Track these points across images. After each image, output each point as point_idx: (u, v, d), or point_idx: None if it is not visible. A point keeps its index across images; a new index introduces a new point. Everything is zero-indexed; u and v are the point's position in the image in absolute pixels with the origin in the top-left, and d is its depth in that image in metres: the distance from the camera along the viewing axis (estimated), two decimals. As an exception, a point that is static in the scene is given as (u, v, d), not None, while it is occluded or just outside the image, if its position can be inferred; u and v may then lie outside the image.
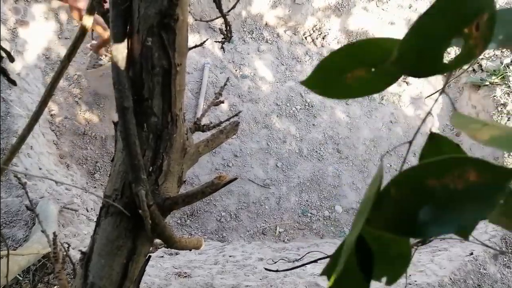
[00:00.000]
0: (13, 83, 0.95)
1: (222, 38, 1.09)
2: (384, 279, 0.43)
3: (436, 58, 0.35)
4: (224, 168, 3.78)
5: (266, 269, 0.87)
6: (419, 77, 0.37)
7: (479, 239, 2.75)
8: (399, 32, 4.37)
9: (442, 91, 0.45)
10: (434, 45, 0.35)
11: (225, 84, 1.13)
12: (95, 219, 2.87)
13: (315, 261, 0.74)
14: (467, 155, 0.31)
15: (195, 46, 1.00)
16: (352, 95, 0.42)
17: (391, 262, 0.42)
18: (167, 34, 0.67)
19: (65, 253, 0.98)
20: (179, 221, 3.54)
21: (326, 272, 0.42)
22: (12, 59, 0.90)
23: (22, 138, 0.93)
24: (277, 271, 0.81)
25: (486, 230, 2.87)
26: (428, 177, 0.31)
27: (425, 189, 0.31)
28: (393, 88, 4.30)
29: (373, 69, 0.40)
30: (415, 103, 4.38)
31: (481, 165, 0.30)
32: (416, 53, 0.35)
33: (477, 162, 0.30)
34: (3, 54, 0.85)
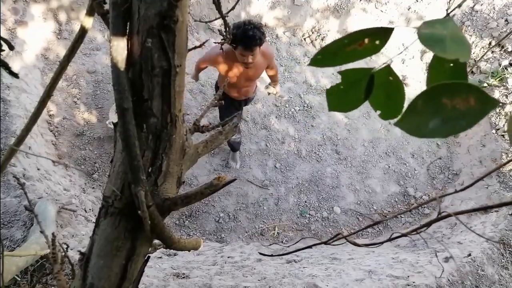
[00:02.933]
0: (15, 76, 0.95)
1: (222, 39, 1.10)
2: (378, 112, 0.61)
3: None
4: (223, 169, 3.78)
5: (260, 253, 0.88)
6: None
7: (477, 240, 2.75)
8: (398, 33, 4.38)
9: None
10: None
11: (224, 86, 1.13)
12: (93, 220, 2.87)
13: (310, 246, 0.75)
14: (472, 83, 0.42)
15: (195, 47, 1.01)
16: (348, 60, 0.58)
17: (388, 103, 0.60)
18: (166, 35, 0.67)
19: (64, 253, 0.98)
20: (177, 222, 3.53)
21: (331, 90, 0.63)
22: (11, 47, 0.90)
23: (21, 139, 0.93)
24: (272, 255, 0.82)
25: (484, 232, 2.88)
26: (444, 96, 0.42)
27: (440, 104, 0.43)
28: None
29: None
30: (414, 105, 4.38)
31: (480, 94, 0.41)
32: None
33: (478, 91, 0.41)
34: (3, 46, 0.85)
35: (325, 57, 0.56)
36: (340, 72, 0.59)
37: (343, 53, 0.55)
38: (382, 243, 0.66)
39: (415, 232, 0.59)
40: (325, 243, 0.69)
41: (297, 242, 0.93)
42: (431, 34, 0.45)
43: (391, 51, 4.43)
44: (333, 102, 0.64)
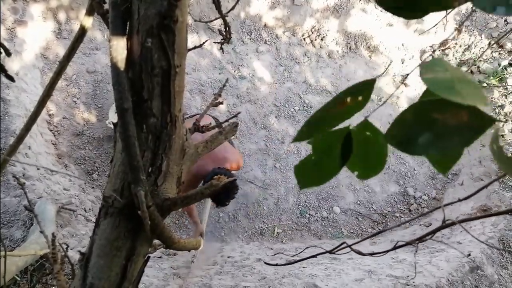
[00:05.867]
0: (11, 79, 0.94)
1: (222, 39, 1.10)
2: (356, 173, 0.55)
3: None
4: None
5: (266, 263, 0.87)
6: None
7: (477, 240, 2.75)
8: (397, 33, 4.38)
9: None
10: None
11: (224, 85, 1.13)
12: (93, 220, 2.87)
13: (315, 256, 0.75)
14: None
15: (195, 47, 1.01)
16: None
17: (367, 162, 0.54)
18: (166, 35, 0.67)
19: (63, 253, 0.98)
20: (177, 222, 3.53)
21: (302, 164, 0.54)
22: (8, 54, 0.90)
23: (20, 138, 0.93)
24: (276, 265, 0.81)
25: (484, 232, 2.88)
26: (434, 110, 0.40)
27: (430, 119, 0.41)
28: (391, 90, 4.31)
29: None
30: (413, 105, 4.38)
31: (473, 110, 0.38)
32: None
33: (471, 108, 0.38)
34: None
35: (310, 128, 0.51)
36: (310, 142, 0.52)
37: (328, 119, 0.50)
38: (387, 251, 0.66)
39: (419, 241, 0.58)
40: (330, 252, 0.69)
41: (303, 250, 0.93)
42: (437, 79, 0.41)
43: (391, 51, 4.43)
44: (304, 179, 0.56)
